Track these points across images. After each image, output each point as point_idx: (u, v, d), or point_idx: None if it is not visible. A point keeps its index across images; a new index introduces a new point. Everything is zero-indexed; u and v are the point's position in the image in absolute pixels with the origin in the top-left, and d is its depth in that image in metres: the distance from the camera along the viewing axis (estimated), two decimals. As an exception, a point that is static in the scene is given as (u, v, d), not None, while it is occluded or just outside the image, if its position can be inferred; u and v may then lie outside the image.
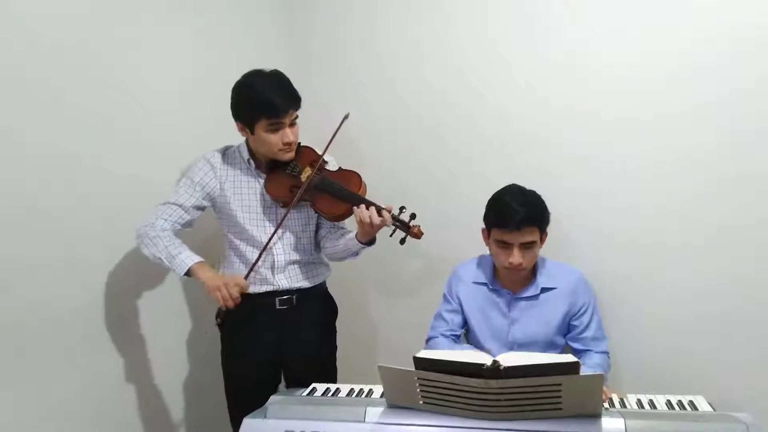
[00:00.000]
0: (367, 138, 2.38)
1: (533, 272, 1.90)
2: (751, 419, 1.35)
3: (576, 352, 1.87)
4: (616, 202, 2.02)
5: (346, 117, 1.89)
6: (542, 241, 1.84)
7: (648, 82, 1.93)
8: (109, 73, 1.90)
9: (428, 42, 2.27)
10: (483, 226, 1.90)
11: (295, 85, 1.84)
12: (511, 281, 1.89)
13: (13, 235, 1.68)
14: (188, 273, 1.77)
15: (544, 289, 1.87)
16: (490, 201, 1.86)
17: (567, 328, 1.89)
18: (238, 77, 1.85)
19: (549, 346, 1.88)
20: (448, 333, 1.93)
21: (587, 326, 1.86)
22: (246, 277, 1.81)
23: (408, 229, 1.80)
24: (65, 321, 1.80)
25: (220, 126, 2.07)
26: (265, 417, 1.52)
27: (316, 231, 2.00)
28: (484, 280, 1.92)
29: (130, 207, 1.96)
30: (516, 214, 1.74)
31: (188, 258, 1.77)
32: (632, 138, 1.97)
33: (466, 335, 2.00)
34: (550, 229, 1.95)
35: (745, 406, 1.43)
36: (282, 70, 1.87)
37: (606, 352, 1.86)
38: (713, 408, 1.50)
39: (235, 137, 1.93)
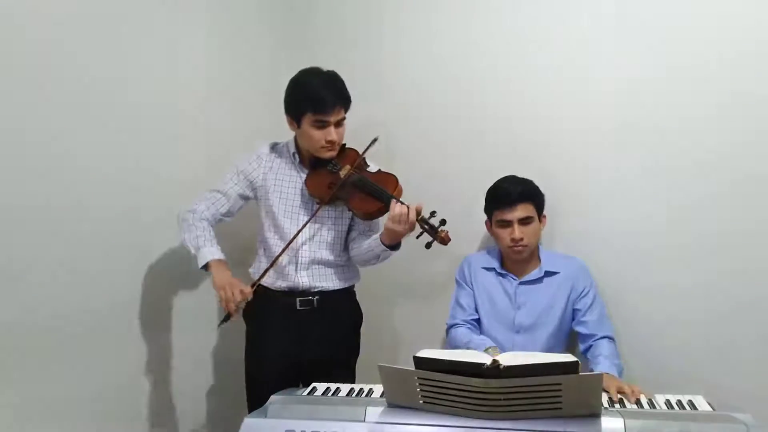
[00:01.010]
0: (366, 135, 2.38)
1: (538, 258, 1.99)
2: (751, 419, 1.35)
3: (582, 336, 1.93)
4: (616, 202, 2.03)
5: (374, 140, 1.94)
6: (541, 222, 1.96)
7: (649, 83, 1.94)
8: (108, 72, 1.90)
9: (428, 39, 2.28)
10: (485, 218, 2.00)
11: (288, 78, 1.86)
12: (517, 265, 1.97)
13: (14, 235, 1.68)
14: (206, 267, 1.81)
15: (547, 273, 1.95)
16: (487, 190, 1.97)
17: (572, 314, 1.95)
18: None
19: (554, 332, 1.93)
20: (469, 319, 2.00)
21: (590, 308, 1.92)
22: (253, 285, 1.83)
23: (436, 233, 1.78)
24: (66, 321, 1.80)
25: (223, 125, 2.09)
26: (265, 416, 1.52)
27: (348, 233, 2.00)
28: (493, 266, 2.01)
29: (131, 206, 1.97)
30: (511, 192, 1.91)
31: (209, 253, 1.83)
32: (633, 139, 1.98)
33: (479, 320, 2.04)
34: (550, 229, 1.98)
35: (745, 406, 1.43)
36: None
37: (612, 338, 1.90)
38: (713, 408, 1.50)
39: (242, 136, 1.94)
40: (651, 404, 1.54)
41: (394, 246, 1.87)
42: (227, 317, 1.79)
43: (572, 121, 2.06)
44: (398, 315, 2.51)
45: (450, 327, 2.02)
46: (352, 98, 1.90)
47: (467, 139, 2.25)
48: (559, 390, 1.32)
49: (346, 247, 2.00)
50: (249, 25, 2.43)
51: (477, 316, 2.01)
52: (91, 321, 1.88)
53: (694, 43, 1.86)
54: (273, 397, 1.62)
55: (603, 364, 1.78)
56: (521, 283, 1.96)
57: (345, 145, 1.96)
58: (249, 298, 1.79)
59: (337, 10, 2.46)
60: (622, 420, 1.36)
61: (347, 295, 2.04)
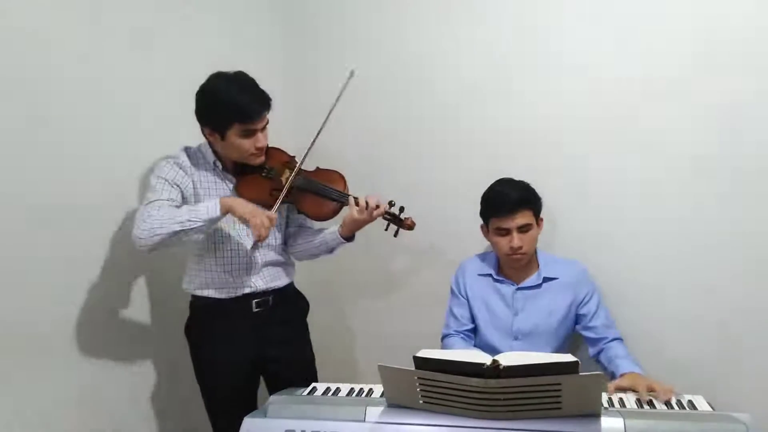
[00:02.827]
0: (362, 135, 2.39)
1: (536, 263, 1.95)
2: (750, 419, 1.35)
3: (591, 341, 1.90)
4: (615, 202, 2.03)
5: (351, 74, 1.88)
6: (539, 226, 1.92)
7: (647, 82, 1.93)
8: (106, 73, 1.91)
9: (426, 40, 2.28)
10: (481, 222, 1.96)
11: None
12: (515, 271, 1.94)
13: (13, 235, 1.68)
14: (220, 210, 1.68)
15: (546, 279, 1.92)
16: (483, 195, 1.93)
17: (575, 319, 1.93)
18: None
19: (553, 337, 1.92)
20: (462, 329, 1.98)
21: (596, 313, 1.90)
22: (274, 210, 1.77)
23: (401, 221, 1.87)
24: (65, 321, 1.81)
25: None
26: (265, 416, 1.53)
27: (286, 228, 2.01)
28: (489, 272, 1.98)
29: (128, 208, 1.97)
30: (509, 198, 1.85)
31: (209, 201, 1.70)
32: (632, 138, 1.98)
33: (474, 329, 2.03)
34: (548, 229, 1.97)
35: (745, 406, 1.43)
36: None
37: (621, 339, 1.88)
38: (713, 408, 1.50)
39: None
40: (650, 404, 1.54)
41: (351, 237, 1.92)
42: (257, 243, 1.82)
43: (572, 120, 2.06)
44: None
45: (444, 336, 2.00)
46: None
47: (467, 139, 2.25)
48: (559, 390, 1.32)
49: (286, 244, 2.01)
50: (249, 25, 2.43)
51: (471, 327, 1.99)
52: (92, 321, 1.88)
53: (695, 44, 1.86)
54: (273, 397, 1.62)
55: (625, 365, 1.75)
56: (519, 289, 1.94)
57: (267, 145, 1.87)
58: (275, 224, 1.75)
59: (337, 10, 2.46)
60: (622, 420, 1.36)
61: (293, 289, 2.06)
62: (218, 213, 1.68)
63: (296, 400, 1.62)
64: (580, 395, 1.34)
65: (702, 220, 1.91)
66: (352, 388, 1.70)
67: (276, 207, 1.79)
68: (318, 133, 1.85)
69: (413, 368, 1.40)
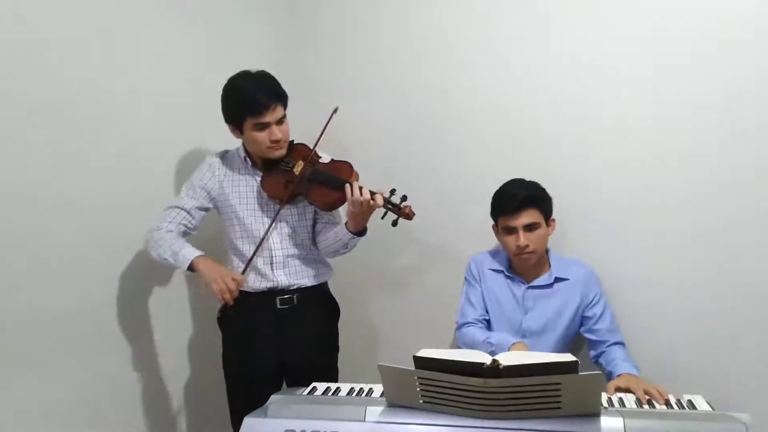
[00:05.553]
0: (366, 134, 2.39)
1: (547, 263, 1.96)
2: (750, 419, 1.35)
3: (593, 343, 1.91)
4: (616, 201, 2.02)
5: (335, 111, 1.92)
6: (549, 226, 1.92)
7: (651, 80, 1.93)
8: (108, 74, 1.91)
9: (429, 38, 2.28)
10: (492, 222, 1.97)
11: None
12: (526, 269, 1.94)
13: (14, 235, 1.68)
14: (191, 267, 1.80)
15: (557, 279, 1.92)
16: (493, 195, 1.93)
17: (580, 320, 1.93)
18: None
19: (561, 337, 1.92)
20: (480, 317, 1.97)
21: (601, 316, 1.90)
22: (243, 272, 1.83)
23: (399, 210, 1.78)
24: (66, 321, 1.81)
25: (219, 127, 2.08)
26: (265, 416, 1.52)
27: (314, 225, 2.00)
28: (501, 268, 1.98)
29: (129, 207, 1.97)
30: (515, 197, 1.85)
31: (190, 253, 1.82)
32: (633, 138, 1.98)
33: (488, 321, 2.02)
34: (556, 230, 1.96)
35: (744, 406, 1.43)
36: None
37: (623, 344, 1.89)
38: (712, 407, 1.50)
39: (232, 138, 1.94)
40: (650, 404, 1.54)
41: (361, 232, 1.87)
42: (224, 307, 1.81)
43: (573, 121, 2.06)
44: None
45: (462, 325, 1.97)
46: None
47: (468, 139, 2.25)
48: (559, 390, 1.32)
49: (314, 240, 2.01)
50: (249, 26, 2.43)
51: (488, 316, 1.98)
52: (92, 322, 1.88)
53: (694, 44, 1.86)
54: (273, 397, 1.62)
55: (623, 365, 1.76)
56: (530, 288, 1.93)
57: (293, 141, 1.94)
58: (243, 285, 1.79)
59: (338, 11, 2.47)
60: (621, 420, 1.36)
61: (324, 291, 2.06)
62: (185, 267, 1.81)
63: (296, 400, 1.62)
64: (580, 395, 1.34)
65: (703, 221, 1.90)
66: (352, 388, 1.70)
67: (287, 199, 1.85)
68: (318, 138, 1.90)
69: (413, 368, 1.40)
